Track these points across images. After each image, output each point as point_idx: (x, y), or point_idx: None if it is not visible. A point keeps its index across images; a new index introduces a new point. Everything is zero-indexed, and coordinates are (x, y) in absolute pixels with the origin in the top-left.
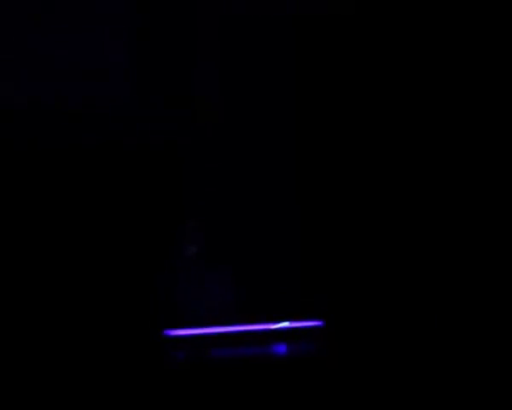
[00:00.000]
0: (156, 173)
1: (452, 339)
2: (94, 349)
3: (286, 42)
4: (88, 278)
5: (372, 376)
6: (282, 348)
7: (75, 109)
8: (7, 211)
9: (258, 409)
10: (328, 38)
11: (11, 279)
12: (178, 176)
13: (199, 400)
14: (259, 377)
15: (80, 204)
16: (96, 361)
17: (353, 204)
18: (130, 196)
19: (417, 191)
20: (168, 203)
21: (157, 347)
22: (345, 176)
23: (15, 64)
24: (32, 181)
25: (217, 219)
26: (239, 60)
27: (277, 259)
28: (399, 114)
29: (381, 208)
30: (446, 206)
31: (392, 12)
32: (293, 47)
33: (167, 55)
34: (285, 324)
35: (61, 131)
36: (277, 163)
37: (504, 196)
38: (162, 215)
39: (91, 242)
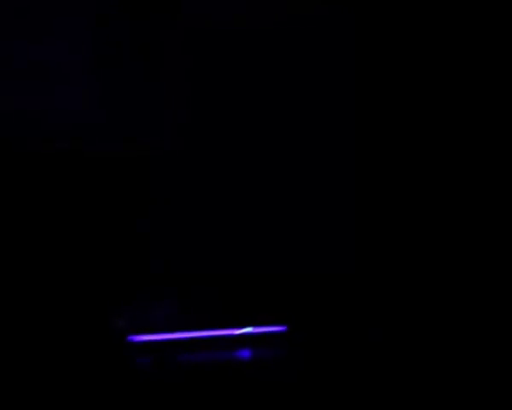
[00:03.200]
0: (126, 185)
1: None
2: (55, 355)
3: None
4: (51, 283)
5: (336, 381)
6: (246, 353)
7: (43, 120)
8: None
9: None
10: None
11: None
12: (148, 189)
13: (163, 406)
14: (224, 382)
15: (49, 214)
16: (58, 367)
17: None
18: (94, 208)
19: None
20: (135, 216)
21: (121, 353)
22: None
23: None
24: None
25: (185, 230)
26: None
27: (242, 263)
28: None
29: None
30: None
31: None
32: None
33: (133, 67)
34: (249, 329)
35: (26, 142)
36: (243, 181)
37: None
38: (128, 225)
39: (54, 249)
